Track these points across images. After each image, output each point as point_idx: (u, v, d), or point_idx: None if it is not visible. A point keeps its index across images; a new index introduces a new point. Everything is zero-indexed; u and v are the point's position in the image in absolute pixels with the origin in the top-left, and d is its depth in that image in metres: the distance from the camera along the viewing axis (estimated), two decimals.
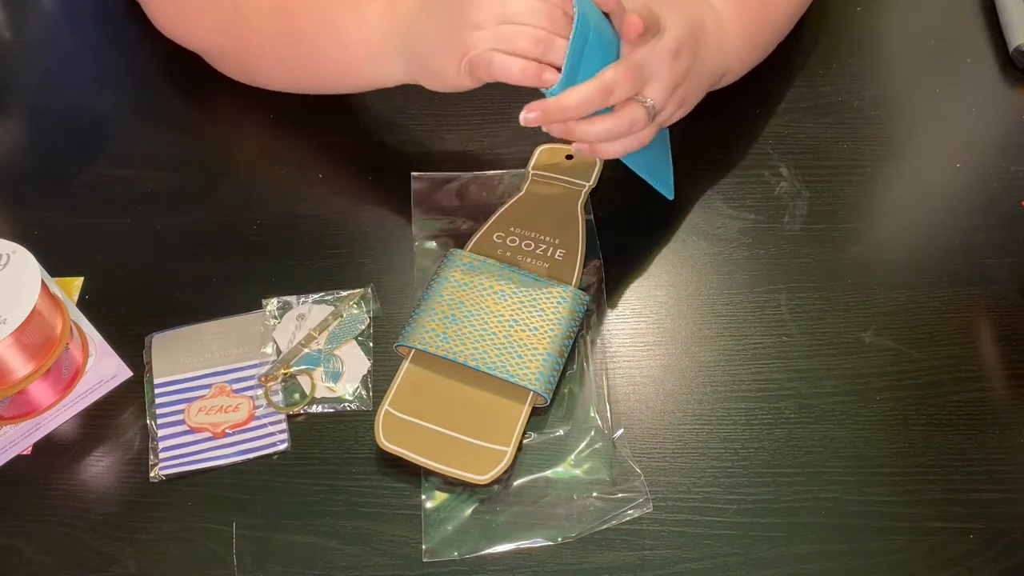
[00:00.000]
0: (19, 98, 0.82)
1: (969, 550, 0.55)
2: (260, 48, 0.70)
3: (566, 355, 0.62)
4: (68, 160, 0.76)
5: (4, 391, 0.59)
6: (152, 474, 0.59)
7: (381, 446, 0.58)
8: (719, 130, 0.76)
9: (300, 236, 0.71)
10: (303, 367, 0.63)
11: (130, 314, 0.66)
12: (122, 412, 0.62)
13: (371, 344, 0.64)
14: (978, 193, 0.72)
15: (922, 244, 0.70)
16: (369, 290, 0.67)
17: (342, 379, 0.63)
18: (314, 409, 0.62)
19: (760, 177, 0.73)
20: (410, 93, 0.80)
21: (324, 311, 0.66)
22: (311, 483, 0.59)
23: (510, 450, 0.57)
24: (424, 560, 0.55)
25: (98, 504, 0.58)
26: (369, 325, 0.65)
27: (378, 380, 0.63)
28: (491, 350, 0.60)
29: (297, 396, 0.62)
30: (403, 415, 0.59)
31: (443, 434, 0.58)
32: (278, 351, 0.64)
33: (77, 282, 0.68)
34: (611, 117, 0.58)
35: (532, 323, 0.61)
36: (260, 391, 0.62)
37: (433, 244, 0.69)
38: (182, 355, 0.64)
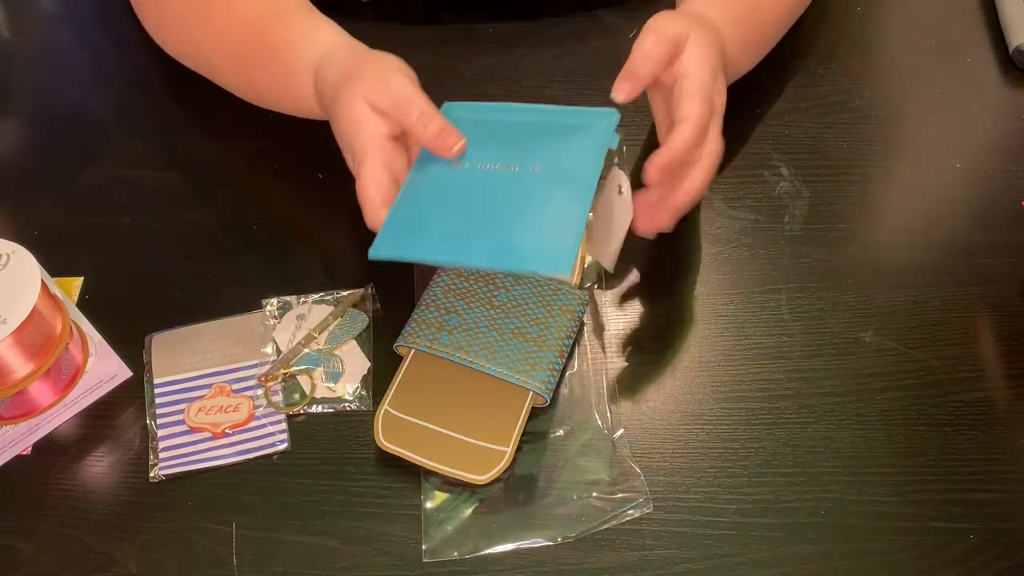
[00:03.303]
0: (19, 98, 0.82)
1: (969, 550, 0.55)
2: (223, 80, 0.74)
3: (566, 355, 0.62)
4: (68, 160, 0.76)
5: (4, 391, 0.59)
6: (152, 474, 0.59)
7: (380, 446, 0.58)
8: None
9: (300, 236, 0.71)
10: (303, 367, 0.63)
11: (130, 314, 0.66)
12: (122, 412, 0.62)
13: (371, 344, 0.64)
14: (978, 193, 0.72)
15: (922, 244, 0.70)
16: (369, 290, 0.67)
17: (342, 379, 0.63)
18: (314, 409, 0.62)
19: (760, 177, 0.73)
20: None
21: (324, 311, 0.66)
22: (311, 483, 0.59)
23: (509, 450, 0.57)
24: (424, 560, 0.55)
25: (98, 504, 0.58)
26: (369, 325, 0.65)
27: (378, 380, 0.63)
28: (491, 350, 0.60)
29: (297, 396, 0.62)
30: (402, 415, 0.59)
31: (442, 434, 0.58)
32: (278, 351, 0.64)
33: (77, 282, 0.68)
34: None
35: (532, 323, 0.61)
36: (260, 391, 0.62)
37: None
38: (182, 355, 0.64)
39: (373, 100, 0.59)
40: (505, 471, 0.57)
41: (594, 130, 0.60)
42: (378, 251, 0.56)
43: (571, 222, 0.55)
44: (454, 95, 0.79)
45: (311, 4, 0.70)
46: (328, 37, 0.66)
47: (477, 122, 0.62)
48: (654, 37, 0.60)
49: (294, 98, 0.68)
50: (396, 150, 0.60)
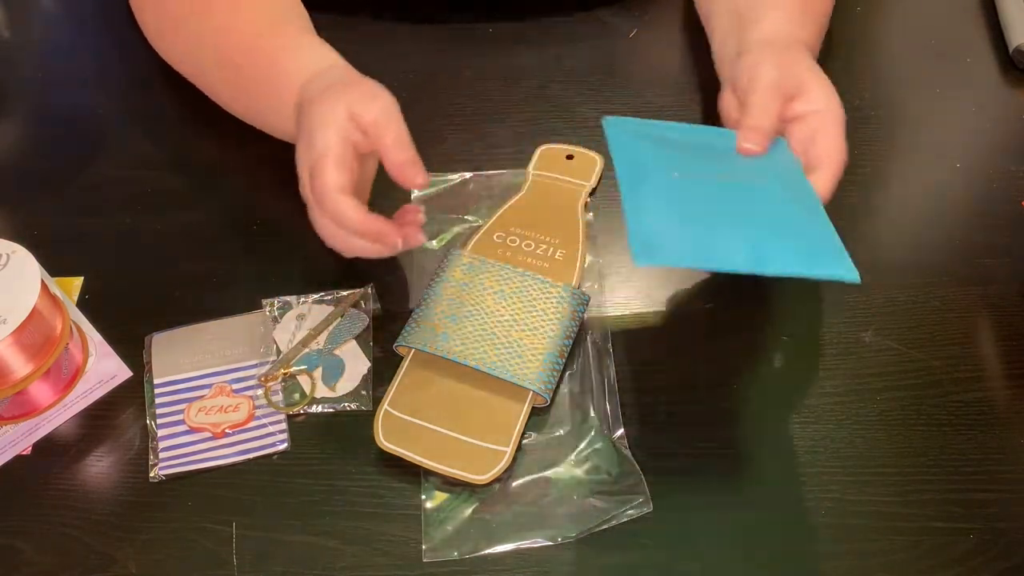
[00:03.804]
0: (19, 98, 0.82)
1: (969, 550, 0.55)
2: (212, 88, 0.74)
3: (566, 355, 0.62)
4: (68, 160, 0.76)
5: (4, 391, 0.59)
6: (152, 474, 0.59)
7: (380, 446, 0.58)
8: None
9: (300, 236, 0.70)
10: (303, 367, 0.63)
11: (130, 314, 0.66)
12: (122, 412, 0.62)
13: (371, 344, 0.64)
14: (978, 193, 0.72)
15: (922, 244, 0.70)
16: (369, 290, 0.67)
17: (342, 379, 0.63)
18: (314, 409, 0.62)
19: None
20: (411, 93, 0.80)
21: (324, 311, 0.66)
22: (311, 483, 0.59)
23: (509, 450, 0.57)
24: (424, 560, 0.55)
25: (98, 504, 0.58)
26: (369, 325, 0.65)
27: (378, 380, 0.63)
28: (491, 350, 0.60)
29: (297, 396, 0.62)
30: (402, 415, 0.59)
31: (442, 434, 0.58)
32: (278, 351, 0.64)
33: (77, 282, 0.68)
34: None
35: (532, 323, 0.61)
36: (260, 391, 0.62)
37: (433, 244, 0.69)
38: (182, 355, 0.64)
39: (356, 111, 0.59)
40: (505, 471, 0.57)
41: (778, 148, 0.61)
42: (646, 259, 0.52)
43: (827, 226, 0.56)
44: (454, 95, 0.80)
45: (312, 27, 0.70)
46: (326, 58, 0.66)
47: (655, 139, 0.61)
48: (771, 92, 0.61)
49: (275, 112, 0.67)
50: (356, 160, 0.59)
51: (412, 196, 0.72)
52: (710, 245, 0.52)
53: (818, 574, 0.55)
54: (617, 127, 0.61)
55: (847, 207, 0.71)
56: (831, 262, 0.53)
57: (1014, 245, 0.69)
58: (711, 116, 0.71)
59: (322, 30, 0.72)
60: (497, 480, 0.57)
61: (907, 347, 0.64)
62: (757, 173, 0.59)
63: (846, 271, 0.52)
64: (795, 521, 0.57)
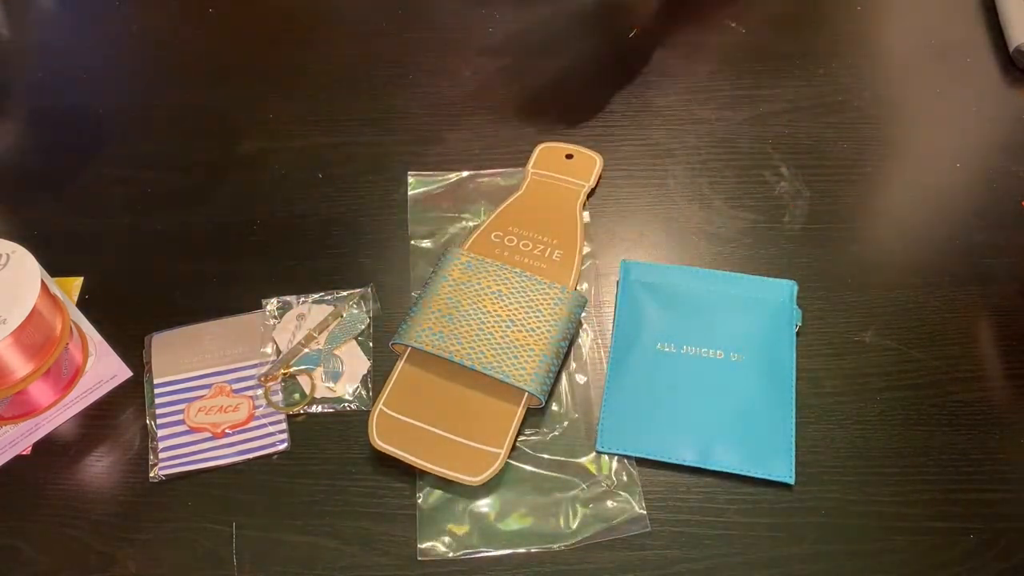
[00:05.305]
0: (19, 98, 0.82)
1: (969, 550, 0.55)
2: None
3: (562, 356, 0.61)
4: (68, 160, 0.76)
5: (4, 391, 0.59)
6: (152, 474, 0.59)
7: (375, 446, 0.58)
8: (719, 130, 0.76)
9: (300, 236, 0.71)
10: (303, 367, 0.63)
11: (130, 314, 0.66)
12: (122, 412, 0.62)
13: (371, 344, 0.64)
14: (978, 193, 0.72)
15: (922, 244, 0.70)
16: (369, 290, 0.67)
17: (342, 379, 0.63)
18: (314, 409, 0.62)
19: (760, 177, 0.73)
20: (412, 93, 0.80)
21: (324, 311, 0.66)
22: (311, 483, 0.59)
23: (504, 451, 0.57)
24: (418, 558, 0.55)
25: (98, 504, 0.58)
26: (369, 325, 0.65)
27: (378, 380, 0.63)
28: (487, 350, 0.60)
29: (297, 396, 0.62)
30: (397, 415, 0.59)
31: (437, 435, 0.58)
32: (278, 351, 0.64)
33: (77, 282, 0.68)
34: None
35: (529, 324, 0.61)
36: (260, 391, 0.62)
37: (431, 243, 0.69)
38: (182, 355, 0.64)
39: None
40: (500, 472, 0.57)
41: (779, 307, 0.64)
42: (605, 446, 0.59)
43: (783, 428, 0.60)
44: (454, 95, 0.80)
45: None
46: None
47: (664, 288, 0.65)
48: None
49: None
50: None
51: (409, 194, 0.72)
52: (664, 444, 0.59)
53: (818, 574, 0.55)
54: (632, 272, 0.66)
55: (847, 207, 0.71)
56: (770, 465, 0.58)
57: (1014, 245, 0.69)
58: (711, 118, 0.71)
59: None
60: (493, 481, 0.57)
61: (907, 347, 0.64)
62: (747, 347, 0.62)
63: (783, 475, 0.58)
64: (795, 521, 0.57)
